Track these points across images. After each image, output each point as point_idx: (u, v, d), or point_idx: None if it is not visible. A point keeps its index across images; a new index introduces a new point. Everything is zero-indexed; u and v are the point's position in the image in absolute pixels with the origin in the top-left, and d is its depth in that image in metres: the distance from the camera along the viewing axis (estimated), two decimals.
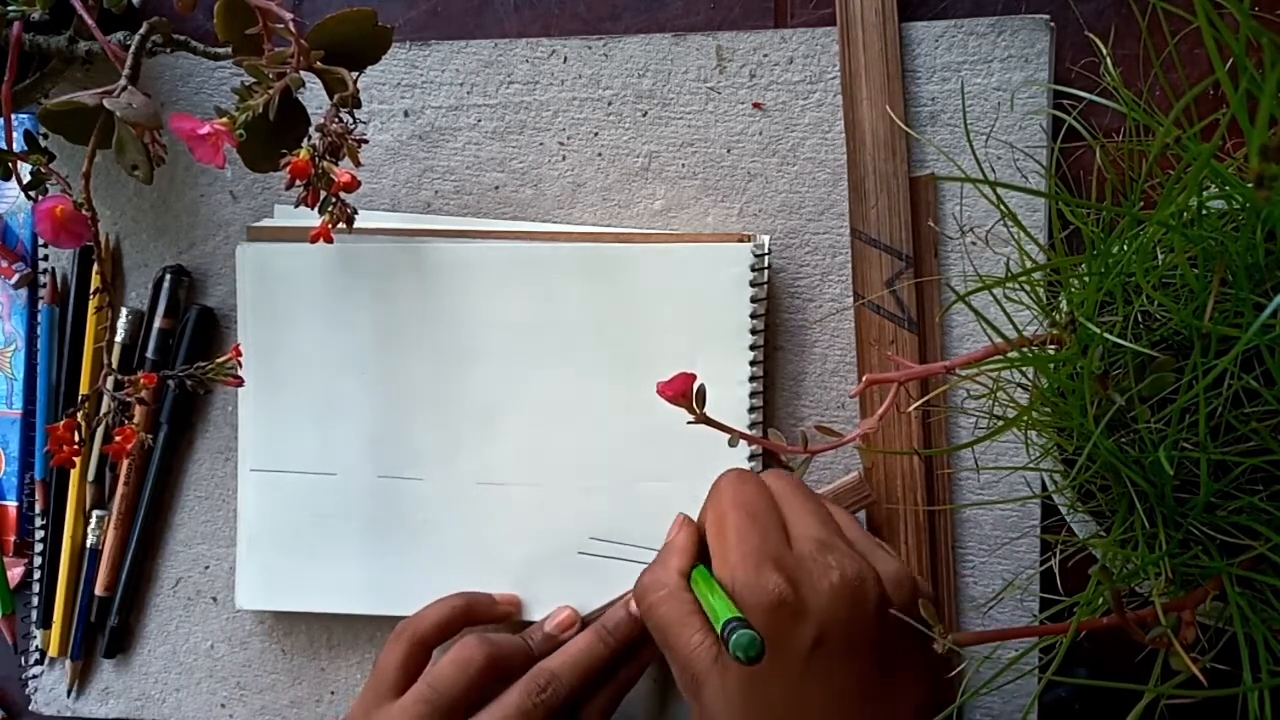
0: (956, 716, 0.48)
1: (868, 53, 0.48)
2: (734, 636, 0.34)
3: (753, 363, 0.49)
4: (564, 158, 0.52)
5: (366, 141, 0.43)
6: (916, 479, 0.49)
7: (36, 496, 0.57)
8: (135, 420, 0.52)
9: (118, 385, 0.45)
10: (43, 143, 0.47)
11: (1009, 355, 0.35)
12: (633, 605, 0.48)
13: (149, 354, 0.55)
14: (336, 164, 0.41)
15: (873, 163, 0.49)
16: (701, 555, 0.43)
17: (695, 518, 0.49)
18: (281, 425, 0.53)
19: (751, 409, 0.49)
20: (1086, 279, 0.34)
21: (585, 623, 0.49)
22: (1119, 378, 0.33)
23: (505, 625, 0.50)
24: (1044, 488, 0.43)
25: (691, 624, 0.40)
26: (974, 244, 0.48)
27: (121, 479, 0.55)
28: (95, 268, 0.54)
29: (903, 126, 0.48)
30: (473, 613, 0.49)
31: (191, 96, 0.55)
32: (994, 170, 0.48)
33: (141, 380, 0.45)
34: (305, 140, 0.42)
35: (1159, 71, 0.45)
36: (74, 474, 0.56)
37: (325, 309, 0.52)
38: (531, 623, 0.50)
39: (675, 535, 0.44)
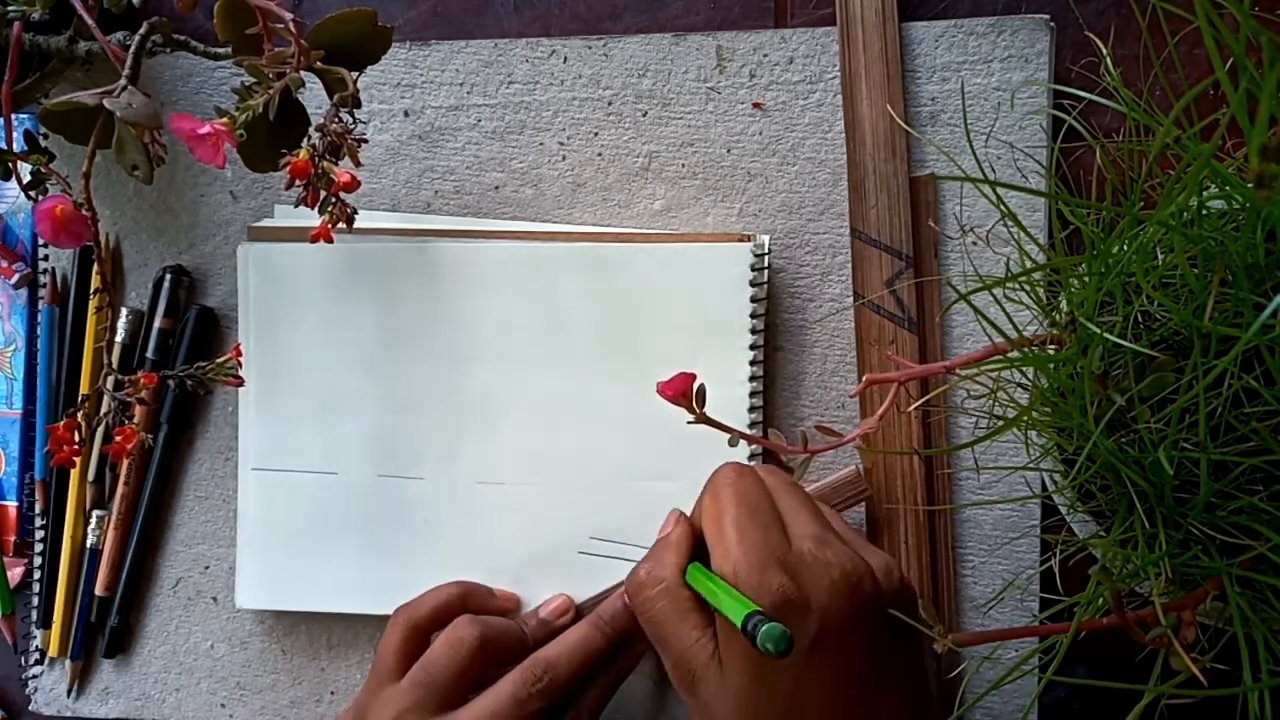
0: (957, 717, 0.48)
1: (868, 53, 0.48)
2: (763, 629, 0.33)
3: (753, 363, 0.49)
4: (564, 158, 0.52)
5: (366, 141, 0.43)
6: (916, 479, 0.48)
7: (36, 496, 0.57)
8: (135, 420, 0.52)
9: (118, 385, 0.45)
10: (43, 143, 0.47)
11: (1009, 355, 0.35)
12: (543, 611, 0.49)
13: (149, 354, 0.55)
14: (336, 164, 0.41)
15: (873, 162, 0.49)
16: (696, 551, 0.43)
17: (690, 513, 0.49)
18: (282, 425, 0.53)
19: (751, 409, 0.49)
20: (1086, 279, 0.34)
21: (580, 612, 0.50)
22: (1119, 378, 0.33)
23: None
24: (1044, 488, 0.43)
25: (689, 619, 0.39)
26: (974, 244, 0.48)
27: (121, 479, 0.55)
28: (95, 268, 0.54)
29: (903, 126, 0.48)
30: (469, 601, 0.49)
31: (191, 96, 0.55)
32: (994, 170, 0.48)
33: (141, 380, 0.45)
34: (305, 140, 0.42)
35: (1159, 71, 0.45)
36: (74, 474, 0.56)
37: (326, 309, 0.52)
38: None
39: (669, 530, 0.44)
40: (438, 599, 0.48)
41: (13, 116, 0.47)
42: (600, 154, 0.52)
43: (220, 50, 0.45)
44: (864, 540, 0.41)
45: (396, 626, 0.48)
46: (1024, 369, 0.37)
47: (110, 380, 0.45)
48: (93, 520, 0.56)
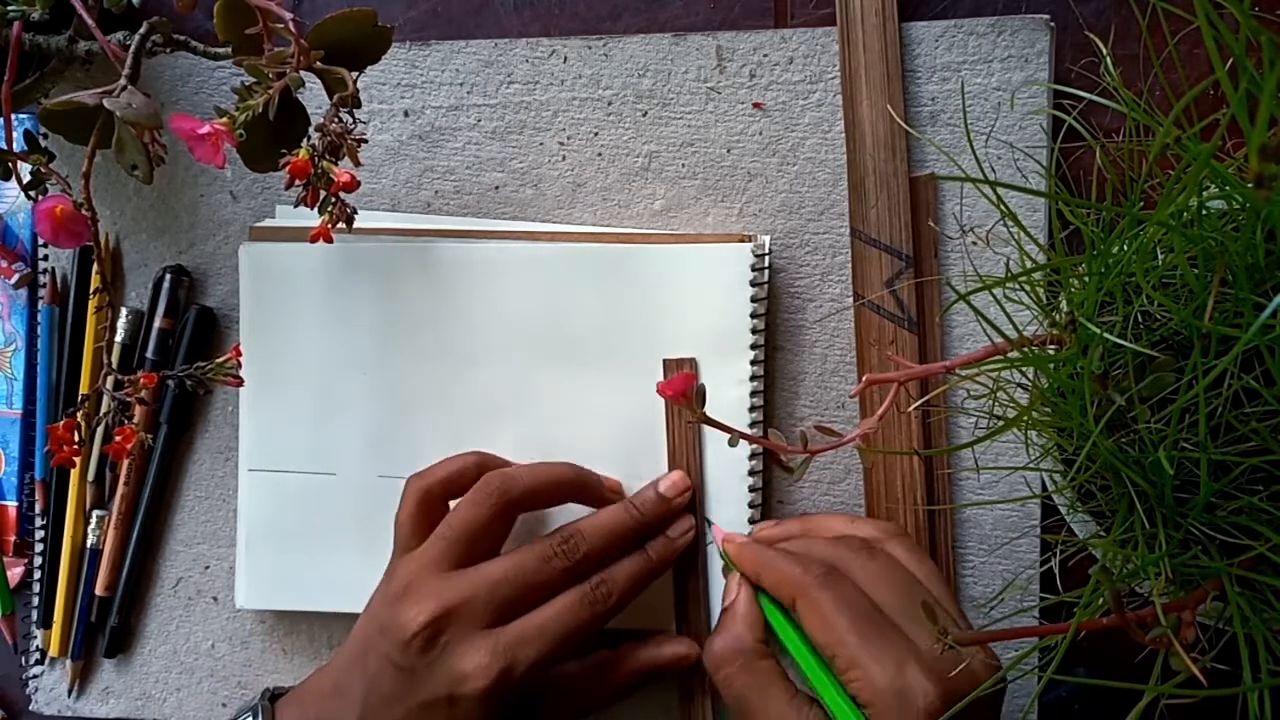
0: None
1: (868, 53, 0.48)
2: None
3: (753, 362, 0.49)
4: (564, 158, 0.52)
5: (366, 141, 0.43)
6: (916, 479, 0.48)
7: (36, 496, 0.57)
8: (135, 420, 0.52)
9: (118, 385, 0.45)
10: (43, 143, 0.47)
11: (1009, 355, 0.35)
12: (662, 486, 0.48)
13: (149, 354, 0.55)
14: (336, 164, 0.41)
15: (872, 163, 0.49)
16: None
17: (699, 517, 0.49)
18: (282, 425, 0.53)
19: (751, 409, 0.49)
20: (1086, 279, 0.34)
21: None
22: (1119, 378, 0.33)
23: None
24: (1044, 488, 0.43)
25: (775, 694, 0.40)
26: (974, 244, 0.48)
27: (121, 479, 0.55)
28: (95, 268, 0.54)
29: (904, 125, 0.48)
30: (485, 469, 0.48)
31: (191, 96, 0.55)
32: (994, 170, 0.48)
33: (141, 380, 0.45)
34: (305, 140, 0.42)
35: (1159, 71, 0.45)
36: (74, 474, 0.56)
37: (327, 309, 0.52)
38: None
39: (733, 597, 0.44)
40: (450, 468, 0.48)
41: (13, 116, 0.47)
42: (600, 154, 0.52)
43: (220, 50, 0.45)
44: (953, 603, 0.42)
45: (410, 495, 0.47)
46: (1024, 369, 0.37)
47: (110, 380, 0.45)
48: (93, 520, 0.56)
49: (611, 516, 0.47)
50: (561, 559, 0.45)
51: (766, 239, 0.50)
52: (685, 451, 0.49)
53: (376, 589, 0.47)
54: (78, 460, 0.49)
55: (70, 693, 0.57)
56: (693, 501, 0.49)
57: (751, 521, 0.49)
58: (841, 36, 0.49)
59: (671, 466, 0.49)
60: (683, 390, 0.37)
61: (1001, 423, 0.36)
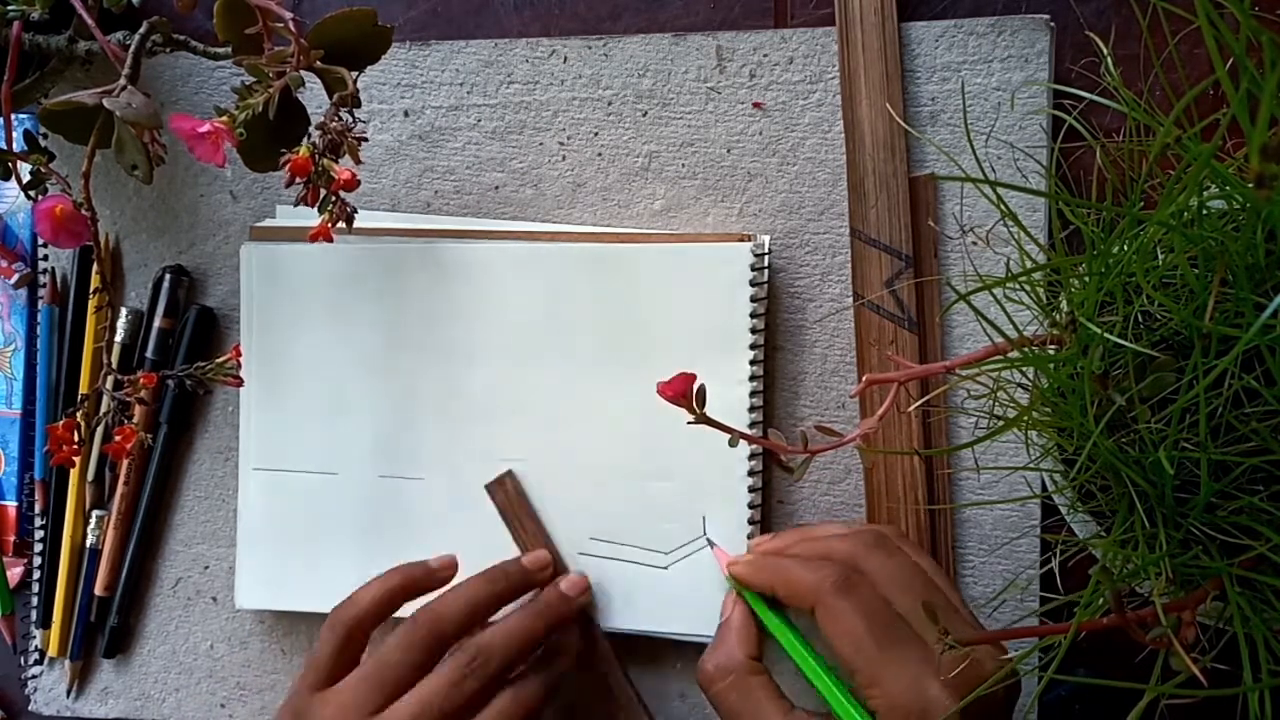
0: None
1: (867, 53, 0.48)
2: None
3: (753, 362, 0.49)
4: (564, 158, 0.52)
5: (366, 140, 0.43)
6: (917, 479, 0.48)
7: (36, 496, 0.57)
8: (135, 420, 0.52)
9: (117, 385, 0.45)
10: (42, 142, 0.47)
11: (1009, 355, 0.35)
12: (563, 585, 0.48)
13: (149, 354, 0.55)
14: (336, 162, 0.41)
15: (872, 163, 0.49)
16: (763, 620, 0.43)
17: (699, 517, 0.49)
18: (284, 424, 0.53)
19: (751, 409, 0.49)
20: (1086, 279, 0.34)
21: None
22: (1119, 378, 0.33)
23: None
24: (1044, 488, 0.43)
25: (768, 710, 0.40)
26: (974, 244, 0.48)
27: (121, 479, 0.55)
28: (95, 267, 0.54)
29: (903, 125, 0.48)
30: (410, 589, 0.48)
31: (191, 96, 0.55)
32: (994, 170, 0.48)
33: (141, 380, 0.45)
34: (305, 139, 0.42)
35: (1159, 71, 0.45)
36: (74, 474, 0.56)
37: (328, 308, 0.52)
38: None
39: (728, 613, 0.44)
40: (377, 595, 0.47)
41: (13, 116, 0.47)
42: (600, 154, 0.52)
43: (220, 50, 0.45)
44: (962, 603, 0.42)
45: (334, 630, 0.46)
46: (1024, 369, 0.37)
47: (110, 380, 0.45)
48: (92, 520, 0.56)
49: (518, 624, 0.46)
50: (474, 681, 0.43)
51: (766, 239, 0.50)
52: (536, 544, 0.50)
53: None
54: (77, 460, 0.49)
55: (69, 693, 0.57)
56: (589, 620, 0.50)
57: (751, 522, 0.49)
58: (840, 36, 0.49)
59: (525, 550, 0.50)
60: (682, 390, 0.36)
61: (1001, 423, 0.36)
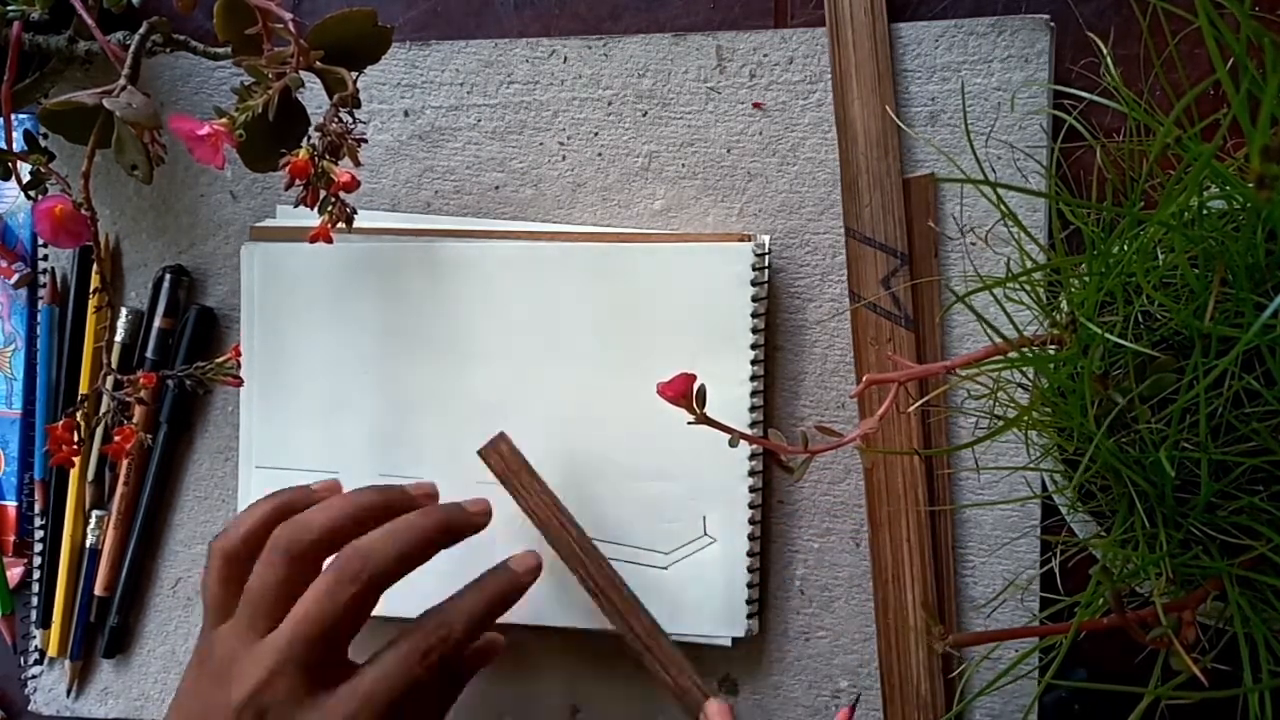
0: (958, 718, 0.48)
1: (858, 52, 0.49)
2: None
3: (753, 362, 0.49)
4: (564, 158, 0.52)
5: (366, 141, 0.43)
6: (917, 478, 0.48)
7: (36, 496, 0.57)
8: (135, 420, 0.52)
9: (117, 385, 0.45)
10: (42, 142, 0.47)
11: (1009, 355, 0.35)
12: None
13: (149, 354, 0.55)
14: (336, 164, 0.41)
15: (865, 161, 0.49)
16: None
17: (699, 517, 0.49)
18: (285, 423, 0.53)
19: (751, 409, 0.49)
20: (1087, 279, 0.34)
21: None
22: (1119, 378, 0.33)
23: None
24: (1044, 488, 0.43)
25: None
26: (974, 244, 0.48)
27: (121, 479, 0.55)
28: (95, 267, 0.54)
29: (898, 123, 0.48)
30: (286, 512, 0.45)
31: (191, 96, 0.55)
32: (994, 170, 0.48)
33: (141, 380, 0.45)
34: (305, 140, 0.42)
35: (1159, 71, 0.45)
36: (73, 474, 0.56)
37: (327, 308, 0.52)
38: None
39: None
40: (250, 523, 0.44)
41: (13, 116, 0.47)
42: (600, 154, 0.52)
43: (220, 50, 0.45)
44: None
45: (212, 560, 0.44)
46: (1024, 369, 0.37)
47: (110, 380, 0.45)
48: (92, 520, 0.56)
49: (405, 525, 0.44)
50: (353, 585, 0.41)
51: (766, 239, 0.50)
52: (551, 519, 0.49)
53: (190, 667, 0.44)
54: (77, 460, 0.49)
55: (69, 693, 0.57)
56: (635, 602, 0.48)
57: (752, 521, 0.49)
58: (831, 37, 0.49)
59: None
60: (682, 390, 0.36)
61: (1001, 423, 0.36)
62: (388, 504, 0.45)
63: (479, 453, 0.49)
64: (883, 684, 0.49)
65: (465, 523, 0.46)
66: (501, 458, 0.49)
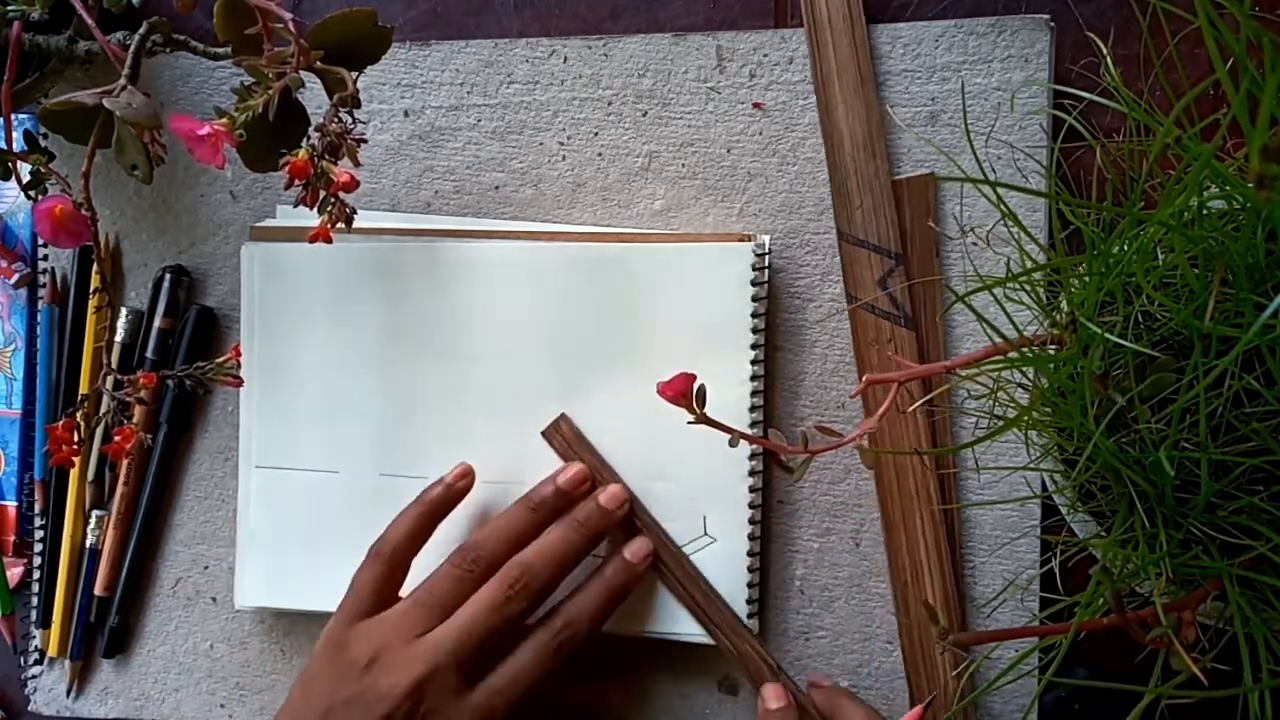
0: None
1: (838, 56, 0.49)
2: None
3: (753, 362, 0.49)
4: (564, 158, 0.52)
5: (366, 141, 0.43)
6: (927, 479, 0.48)
7: (36, 496, 0.57)
8: (135, 420, 0.52)
9: (117, 385, 0.45)
10: (42, 142, 0.47)
11: (1009, 355, 0.35)
12: (601, 498, 0.48)
13: (149, 354, 0.55)
14: (336, 164, 0.41)
15: (853, 164, 0.49)
16: None
17: (699, 517, 0.49)
18: (285, 423, 0.53)
19: (751, 409, 0.49)
20: (1087, 279, 0.34)
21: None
22: (1119, 378, 0.33)
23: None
24: (1044, 488, 0.43)
25: None
26: (974, 244, 0.48)
27: (121, 479, 0.55)
28: (95, 267, 0.54)
29: (897, 121, 0.48)
30: (436, 510, 0.49)
31: (191, 96, 0.55)
32: (994, 170, 0.48)
33: (141, 380, 0.45)
34: (305, 140, 0.42)
35: (1159, 71, 0.45)
36: (73, 474, 0.56)
37: (327, 308, 0.52)
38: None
39: None
40: (408, 527, 0.48)
41: (13, 116, 0.47)
42: (600, 154, 0.52)
43: (220, 50, 0.45)
44: None
45: (376, 562, 0.48)
46: (1024, 369, 0.37)
47: (110, 380, 0.45)
48: (92, 520, 0.56)
49: (560, 540, 0.47)
50: (517, 601, 0.45)
51: (766, 239, 0.50)
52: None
53: (318, 655, 0.46)
54: (77, 460, 0.49)
55: (69, 693, 0.57)
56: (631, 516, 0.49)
57: (752, 521, 0.49)
58: (810, 41, 0.49)
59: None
60: (682, 390, 0.36)
61: (1002, 423, 0.36)
62: (542, 516, 0.48)
63: (542, 434, 0.50)
64: (909, 684, 0.49)
65: (606, 528, 0.49)
66: (563, 438, 0.50)
